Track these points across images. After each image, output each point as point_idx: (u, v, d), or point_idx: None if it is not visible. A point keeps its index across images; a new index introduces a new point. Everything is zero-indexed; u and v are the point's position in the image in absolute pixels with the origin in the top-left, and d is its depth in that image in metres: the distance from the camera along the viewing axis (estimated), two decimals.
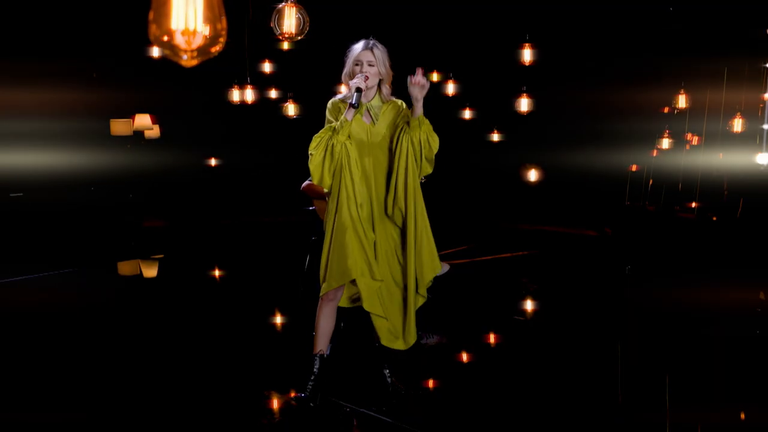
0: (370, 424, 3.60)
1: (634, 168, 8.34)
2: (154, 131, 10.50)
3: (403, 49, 9.00)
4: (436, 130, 3.72)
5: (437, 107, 8.99)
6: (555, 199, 9.19)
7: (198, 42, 1.21)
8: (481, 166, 9.48)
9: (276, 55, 8.55)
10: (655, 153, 8.30)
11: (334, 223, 3.70)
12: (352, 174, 3.68)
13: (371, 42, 3.67)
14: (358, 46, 3.65)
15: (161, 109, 10.58)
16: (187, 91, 10.20)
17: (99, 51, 9.47)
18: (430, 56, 8.81)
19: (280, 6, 3.98)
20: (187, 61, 1.23)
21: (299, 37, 3.98)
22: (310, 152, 3.66)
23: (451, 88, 8.37)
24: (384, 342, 3.85)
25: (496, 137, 8.47)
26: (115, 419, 3.66)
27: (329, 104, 3.76)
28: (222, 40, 1.23)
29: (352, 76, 3.64)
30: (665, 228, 7.76)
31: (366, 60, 3.62)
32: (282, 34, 3.98)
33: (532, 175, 8.20)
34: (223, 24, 1.23)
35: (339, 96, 3.77)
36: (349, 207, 3.67)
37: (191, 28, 1.19)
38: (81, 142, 9.87)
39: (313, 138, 3.66)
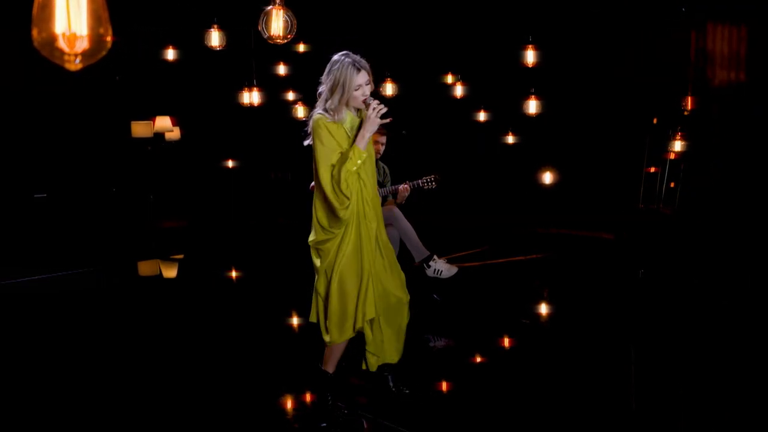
0: (370, 427, 3.59)
1: (652, 170, 8.21)
2: (174, 133, 10.65)
3: (412, 51, 9.03)
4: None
5: (449, 109, 9.02)
6: (570, 202, 9.10)
7: (83, 46, 1.22)
8: (495, 168, 9.42)
9: (291, 57, 8.62)
10: (673, 156, 8.16)
11: (362, 269, 3.55)
12: (365, 206, 3.53)
13: (356, 60, 3.43)
14: (350, 71, 3.38)
15: (182, 111, 10.72)
16: (206, 93, 10.33)
17: (121, 54, 9.64)
18: (441, 58, 8.79)
19: (268, 9, 4.01)
20: (73, 65, 1.24)
21: (286, 40, 3.99)
22: (343, 192, 3.39)
23: (459, 90, 8.32)
24: (374, 369, 3.79)
25: (510, 139, 8.39)
26: (127, 418, 3.71)
27: (327, 128, 3.44)
28: (107, 45, 1.24)
29: (357, 103, 3.44)
30: (679, 231, 7.65)
31: (364, 82, 3.42)
32: (270, 36, 4.01)
33: (547, 177, 8.12)
34: (107, 28, 1.24)
35: (328, 117, 3.45)
36: (369, 248, 3.54)
37: (76, 32, 1.20)
38: (103, 144, 10.06)
39: (342, 179, 3.37)
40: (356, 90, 3.41)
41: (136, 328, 5.34)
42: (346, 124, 3.51)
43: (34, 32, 1.22)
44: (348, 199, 3.40)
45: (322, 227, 3.52)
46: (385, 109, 3.39)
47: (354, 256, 3.53)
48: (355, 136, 3.47)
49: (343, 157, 3.41)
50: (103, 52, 1.26)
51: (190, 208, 10.69)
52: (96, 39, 1.25)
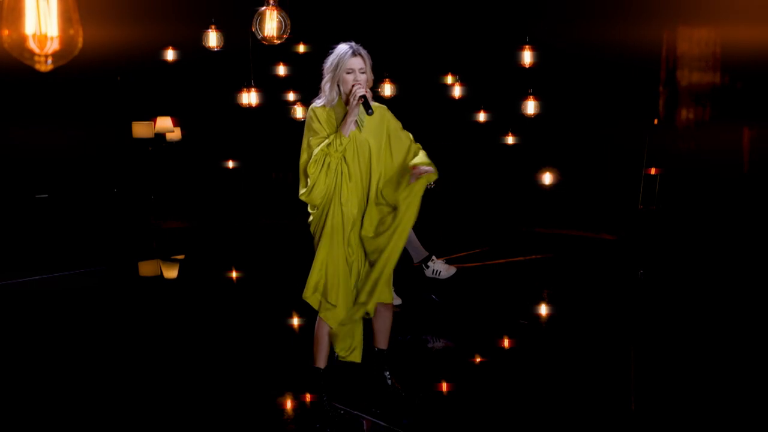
0: (367, 427, 3.59)
1: (652, 171, 8.17)
2: (175, 134, 10.66)
3: (411, 51, 9.03)
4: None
5: (448, 110, 9.00)
6: (570, 202, 9.08)
7: (54, 47, 1.21)
8: (495, 169, 9.41)
9: (290, 58, 8.63)
10: None
11: (329, 243, 3.61)
12: (349, 191, 3.58)
13: (356, 47, 3.53)
14: (345, 53, 3.50)
15: (183, 111, 10.74)
16: (207, 94, 10.34)
17: (123, 54, 9.65)
18: (440, 58, 8.78)
19: (262, 9, 4.00)
20: (44, 66, 1.24)
21: (280, 40, 3.99)
22: (308, 173, 3.51)
23: (458, 91, 8.31)
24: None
25: (510, 140, 8.38)
26: (126, 418, 3.71)
27: (315, 112, 3.58)
28: (79, 46, 1.23)
29: (347, 87, 3.49)
30: (679, 232, 7.63)
31: (358, 67, 3.49)
32: (264, 37, 4.00)
33: (547, 177, 8.11)
34: (78, 29, 1.23)
35: (319, 102, 3.61)
36: (344, 228, 3.58)
37: (47, 33, 1.19)
38: (104, 144, 10.09)
39: (311, 161, 3.49)
40: (348, 73, 3.49)
41: (137, 328, 5.35)
42: (337, 110, 3.58)
43: (4, 33, 1.22)
44: (306, 184, 3.51)
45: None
46: (362, 91, 3.43)
47: (329, 235, 3.59)
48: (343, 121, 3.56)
49: (326, 141, 3.51)
50: (75, 53, 1.25)
51: (191, 209, 10.70)
52: (67, 40, 1.24)
